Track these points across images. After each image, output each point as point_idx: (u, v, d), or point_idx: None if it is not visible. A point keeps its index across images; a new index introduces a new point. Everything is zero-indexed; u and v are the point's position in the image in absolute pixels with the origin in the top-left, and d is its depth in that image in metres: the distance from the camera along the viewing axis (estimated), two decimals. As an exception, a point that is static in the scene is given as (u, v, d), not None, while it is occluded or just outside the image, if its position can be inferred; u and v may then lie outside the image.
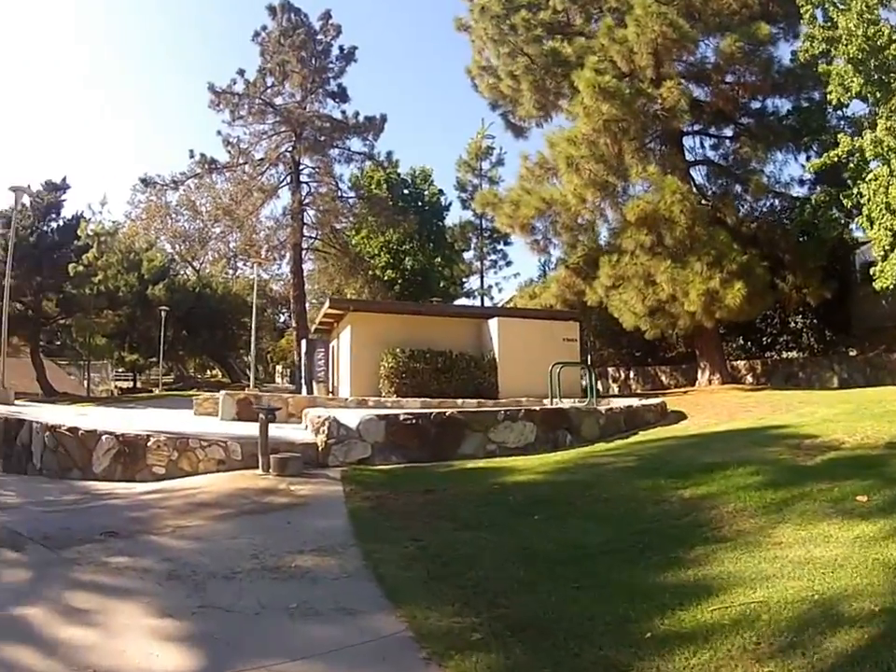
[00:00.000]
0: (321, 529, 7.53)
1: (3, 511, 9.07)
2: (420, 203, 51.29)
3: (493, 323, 23.23)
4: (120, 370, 62.02)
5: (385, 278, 47.83)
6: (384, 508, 8.45)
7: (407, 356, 21.08)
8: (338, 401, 18.97)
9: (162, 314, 46.52)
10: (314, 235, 44.51)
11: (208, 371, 67.47)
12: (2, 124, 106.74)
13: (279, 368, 66.26)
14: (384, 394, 20.83)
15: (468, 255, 53.19)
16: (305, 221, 42.79)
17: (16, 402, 21.47)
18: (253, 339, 41.83)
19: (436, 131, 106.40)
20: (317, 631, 4.88)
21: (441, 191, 53.58)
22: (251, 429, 12.00)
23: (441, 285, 51.29)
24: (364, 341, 22.03)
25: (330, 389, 26.46)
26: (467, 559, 6.25)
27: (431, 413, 12.47)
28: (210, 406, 20.02)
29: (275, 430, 12.52)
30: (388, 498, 8.89)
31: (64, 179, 46.25)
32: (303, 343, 33.30)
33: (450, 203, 54.07)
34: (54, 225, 45.37)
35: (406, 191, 50.99)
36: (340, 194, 43.22)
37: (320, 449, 11.52)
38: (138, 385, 59.95)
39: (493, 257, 52.08)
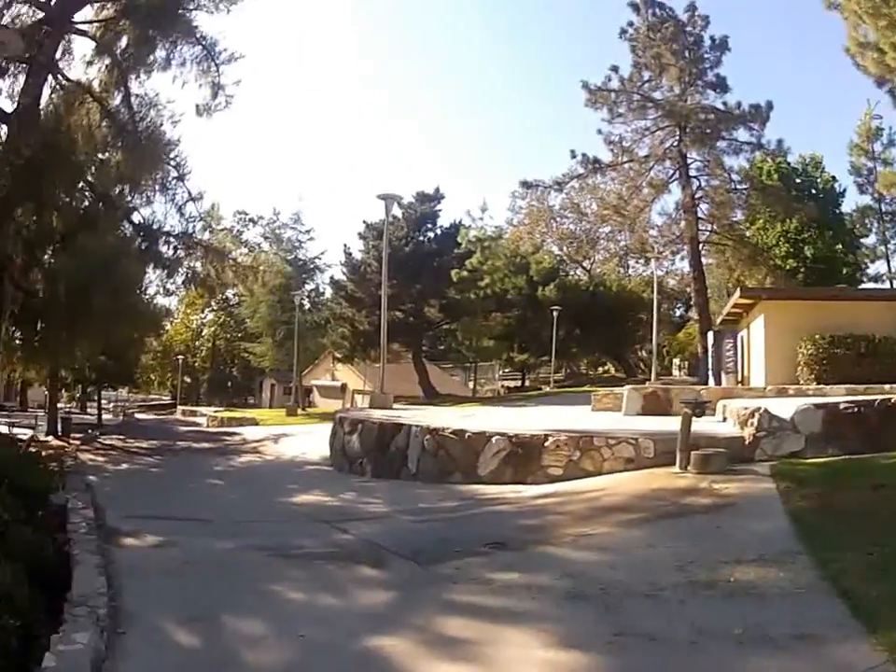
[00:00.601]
0: (758, 534, 6.48)
1: (364, 521, 8.77)
2: (814, 192, 47.13)
3: (921, 304, 21.23)
4: (507, 370, 63.54)
5: (787, 267, 44.51)
6: (829, 507, 7.12)
7: (827, 342, 19.76)
8: (754, 391, 17.48)
9: (554, 314, 46.30)
10: (708, 229, 42.31)
11: (599, 368, 67.47)
12: (375, 141, 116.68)
13: (676, 361, 64.52)
14: (801, 381, 19.49)
15: (869, 240, 49.15)
16: (699, 215, 40.72)
17: (394, 406, 22.06)
18: (654, 333, 40.99)
19: (816, 116, 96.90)
20: (774, 664, 3.89)
21: (833, 178, 49.14)
22: (661, 424, 11.43)
23: (845, 271, 47.09)
24: (778, 329, 21.03)
25: (739, 379, 25.20)
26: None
27: (875, 401, 10.78)
28: (609, 401, 19.44)
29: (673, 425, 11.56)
30: (832, 496, 7.50)
31: (437, 190, 47.64)
32: (709, 334, 31.99)
33: (844, 190, 49.06)
34: (431, 235, 46.79)
35: (798, 180, 47.17)
36: (733, 186, 40.59)
37: (746, 443, 10.29)
38: (526, 383, 60.79)
39: (897, 241, 47.71)
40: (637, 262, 58.01)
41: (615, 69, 40.45)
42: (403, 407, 22.78)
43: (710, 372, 29.95)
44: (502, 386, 60.05)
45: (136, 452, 22.17)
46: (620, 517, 7.49)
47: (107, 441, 25.46)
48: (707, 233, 41.98)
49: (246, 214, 66.21)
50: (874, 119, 45.24)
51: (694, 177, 40.51)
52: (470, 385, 56.99)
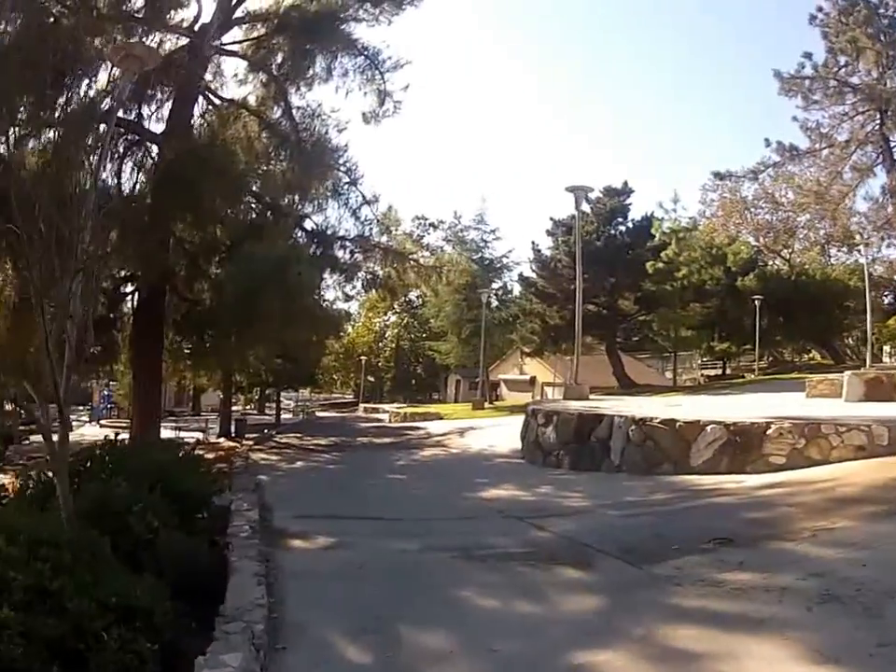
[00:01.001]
0: None
1: (564, 517, 7.88)
2: None
3: None
4: (706, 359, 61.67)
5: None
6: None
7: None
8: None
9: (756, 303, 44.78)
10: None
11: (804, 356, 64.32)
12: (558, 139, 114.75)
13: (886, 349, 60.72)
14: None
15: None
16: None
17: (589, 397, 20.83)
18: (869, 318, 37.88)
19: None
20: None
21: None
22: (890, 411, 10.42)
23: None
24: None
25: None
26: None
27: None
28: (825, 388, 18.20)
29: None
30: None
31: (626, 184, 47.31)
32: None
33: None
34: (622, 228, 46.45)
35: None
36: None
37: None
38: (727, 371, 59.04)
39: None
40: (839, 251, 54.76)
41: (808, 56, 38.48)
42: (599, 398, 21.57)
43: None
44: (701, 375, 58.31)
45: (313, 449, 21.76)
46: (860, 509, 6.41)
47: (283, 440, 25.25)
48: None
49: (426, 219, 66.86)
50: None
51: (899, 160, 37.56)
52: (668, 374, 55.49)
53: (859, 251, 52.51)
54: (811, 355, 63.53)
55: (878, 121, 37.17)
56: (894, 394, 14.55)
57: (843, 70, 38.11)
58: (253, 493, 10.70)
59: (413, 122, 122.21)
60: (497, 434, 20.05)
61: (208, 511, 7.67)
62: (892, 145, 37.54)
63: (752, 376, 45.84)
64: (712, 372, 59.88)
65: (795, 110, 39.00)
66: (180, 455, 9.29)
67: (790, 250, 56.51)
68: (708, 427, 9.96)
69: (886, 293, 59.16)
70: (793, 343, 58.61)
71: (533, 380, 56.85)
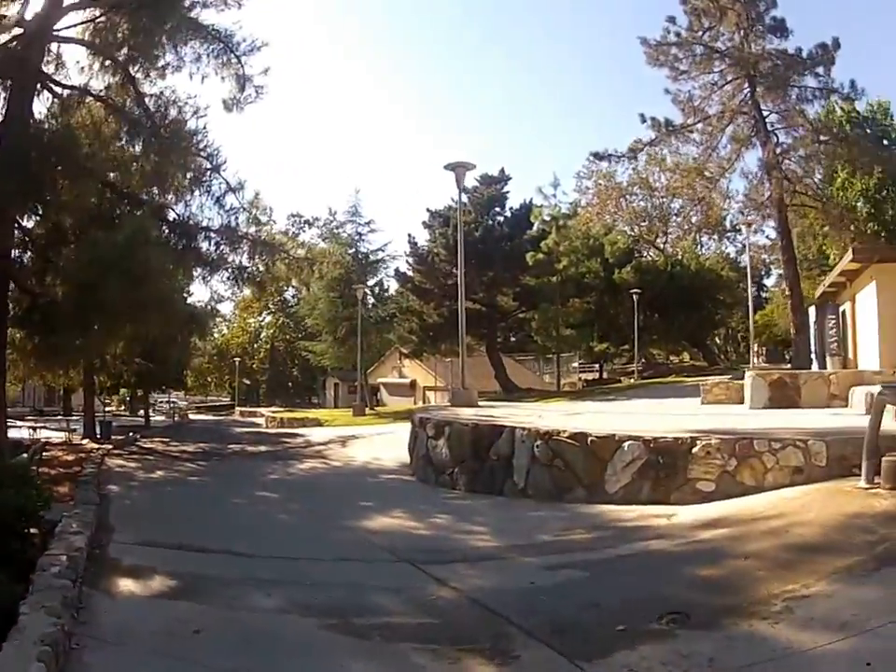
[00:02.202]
0: None
1: (470, 564, 6.44)
2: (885, 142, 41.58)
3: None
4: (582, 361, 60.99)
5: (867, 231, 40.02)
6: None
7: None
8: (885, 375, 14.92)
9: (634, 297, 44.23)
10: (792, 189, 37.33)
11: (674, 357, 64.84)
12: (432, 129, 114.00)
13: (754, 347, 61.96)
14: None
15: None
16: (782, 176, 36.04)
17: (479, 403, 19.60)
18: (751, 312, 37.81)
19: (873, 58, 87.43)
20: None
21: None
22: (802, 419, 10.04)
23: None
24: (894, 298, 18.46)
25: (845, 363, 22.67)
26: None
27: None
28: (721, 392, 17.88)
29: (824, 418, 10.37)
30: None
31: (502, 171, 46.11)
32: (811, 311, 29.59)
33: (920, 138, 45.09)
34: (500, 219, 45.15)
35: (868, 131, 41.80)
36: (817, 137, 36.01)
37: None
38: (604, 375, 58.66)
39: None
40: (710, 238, 55.62)
41: (672, 20, 36.73)
42: (489, 404, 20.33)
43: (813, 355, 27.60)
44: (579, 379, 57.67)
45: (178, 457, 19.82)
46: (830, 563, 5.21)
47: (147, 445, 23.16)
48: (792, 195, 37.60)
49: (301, 216, 65.45)
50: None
51: (772, 132, 36.52)
52: (546, 378, 54.65)
53: (728, 238, 52.99)
54: (682, 356, 64.29)
55: (748, 89, 36.10)
56: (798, 398, 14.11)
57: (706, 35, 36.83)
58: (96, 508, 9.02)
59: (284, 114, 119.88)
60: (382, 444, 18.62)
61: (37, 529, 6.49)
62: (765, 114, 36.47)
63: (632, 381, 45.31)
64: (590, 376, 59.40)
65: (666, 81, 37.47)
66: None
67: (664, 239, 57.05)
68: (626, 444, 8.63)
69: (752, 284, 60.34)
70: (670, 342, 58.69)
71: (414, 384, 56.03)
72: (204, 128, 20.76)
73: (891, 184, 40.60)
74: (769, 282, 66.63)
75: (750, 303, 37.28)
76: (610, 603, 4.89)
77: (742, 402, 16.03)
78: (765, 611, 4.46)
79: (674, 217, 52.42)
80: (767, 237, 49.42)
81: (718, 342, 63.10)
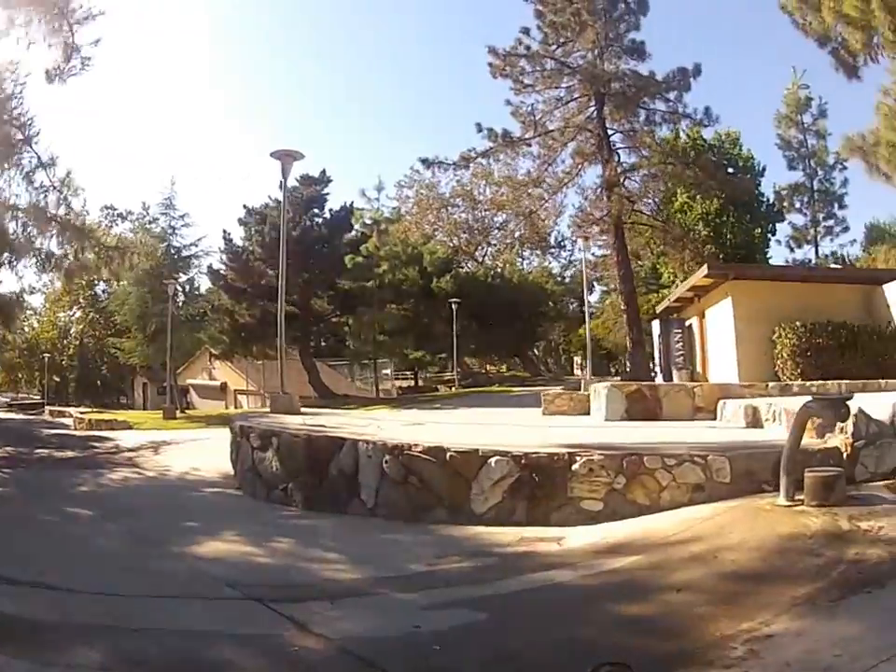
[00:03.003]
0: None
1: (332, 602, 5.32)
2: (731, 170, 44.53)
3: (892, 287, 19.22)
4: (394, 368, 60.83)
5: (705, 253, 42.17)
6: None
7: (808, 330, 18.23)
8: (756, 388, 14.78)
9: (453, 307, 44.69)
10: (632, 208, 38.80)
11: (491, 367, 65.86)
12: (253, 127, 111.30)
13: (577, 360, 63.71)
14: (784, 377, 17.89)
15: (798, 220, 50.16)
16: (623, 193, 37.39)
17: (302, 410, 18.56)
18: (587, 324, 38.94)
19: (727, 90, 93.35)
20: None
21: (751, 155, 47.81)
22: (685, 434, 9.61)
23: (769, 255, 47.32)
24: (749, 314, 19.33)
25: (692, 376, 23.67)
26: None
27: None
28: (563, 404, 17.03)
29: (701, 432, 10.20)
30: None
31: (324, 172, 45.68)
32: (654, 325, 30.38)
33: (764, 168, 48.16)
34: (318, 220, 44.81)
35: (713, 158, 44.24)
36: (662, 160, 37.49)
37: (844, 456, 7.61)
38: (420, 383, 58.76)
39: (828, 223, 48.89)
40: (532, 253, 56.74)
41: (526, 31, 36.87)
42: (313, 411, 19.39)
43: (658, 368, 28.27)
44: (394, 386, 57.44)
45: (-30, 463, 17.45)
46: (783, 593, 4.49)
47: (-69, 449, 20.30)
48: (631, 213, 38.77)
49: (115, 209, 63.60)
50: (801, 88, 46.28)
51: (616, 151, 37.66)
52: (358, 384, 54.91)
53: (551, 254, 54.43)
54: (499, 366, 65.35)
55: (594, 107, 36.57)
56: (659, 411, 13.66)
57: (560, 49, 37.12)
58: None
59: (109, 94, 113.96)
60: (200, 452, 17.25)
61: None
62: (610, 133, 37.25)
63: (452, 389, 45.65)
64: (404, 384, 59.73)
65: (509, 93, 37.48)
66: None
67: (483, 252, 57.87)
68: (492, 460, 7.92)
69: (572, 300, 62.10)
70: (490, 351, 59.61)
71: (224, 386, 54.79)
72: (21, 93, 19.43)
73: (732, 210, 43.12)
74: (593, 298, 68.81)
75: (587, 316, 38.88)
76: (523, 653, 4.05)
77: (588, 414, 15.54)
78: (725, 658, 3.68)
79: (495, 231, 53.20)
80: (593, 254, 50.70)
81: (537, 353, 64.53)
